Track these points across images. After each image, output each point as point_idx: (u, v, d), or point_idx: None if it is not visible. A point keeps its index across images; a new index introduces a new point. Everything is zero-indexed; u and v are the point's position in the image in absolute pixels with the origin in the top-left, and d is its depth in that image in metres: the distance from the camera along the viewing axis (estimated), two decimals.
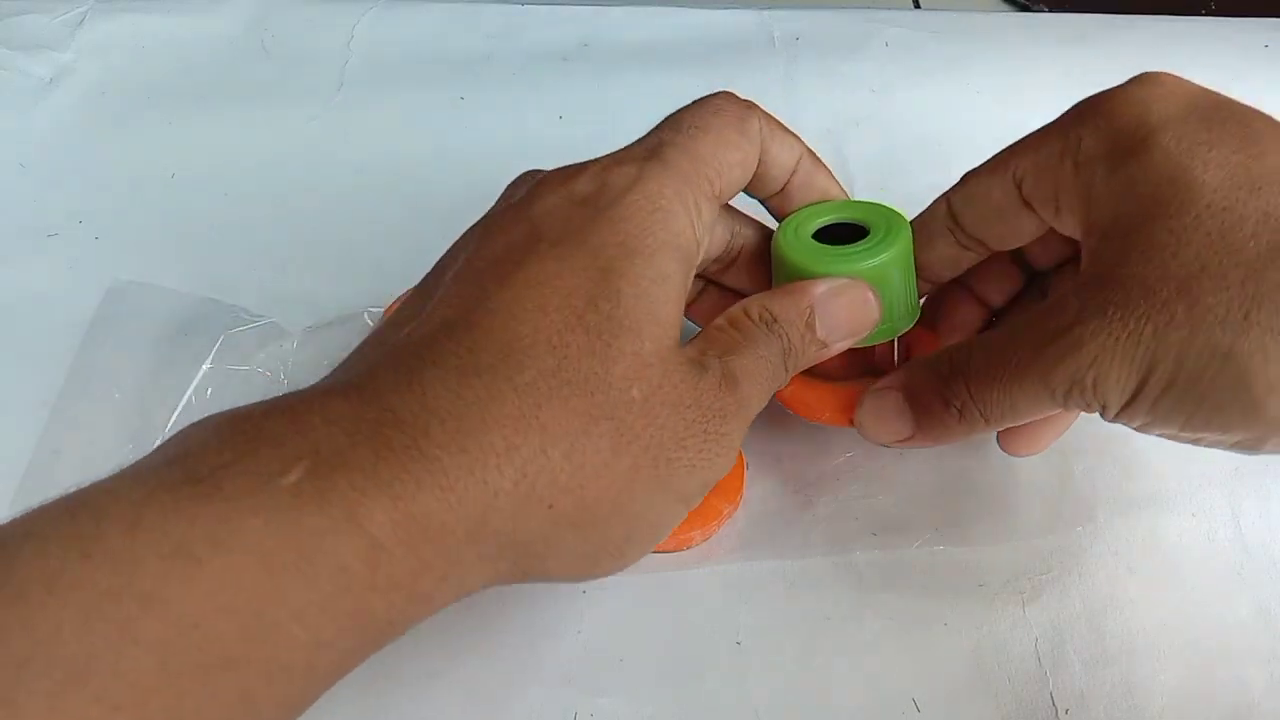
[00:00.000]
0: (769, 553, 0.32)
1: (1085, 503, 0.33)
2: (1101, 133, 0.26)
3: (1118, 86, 0.27)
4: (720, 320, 0.26)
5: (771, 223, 0.31)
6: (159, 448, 0.21)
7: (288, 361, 0.36)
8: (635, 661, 0.30)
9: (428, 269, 0.38)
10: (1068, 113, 0.28)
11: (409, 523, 0.20)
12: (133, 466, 0.20)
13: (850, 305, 0.27)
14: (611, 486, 0.22)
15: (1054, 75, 0.48)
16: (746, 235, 0.31)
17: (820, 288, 0.27)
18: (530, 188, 0.26)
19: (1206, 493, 0.34)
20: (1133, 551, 0.33)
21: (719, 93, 0.28)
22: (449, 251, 0.27)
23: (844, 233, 0.30)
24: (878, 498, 0.34)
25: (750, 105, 0.28)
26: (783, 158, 0.29)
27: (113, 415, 0.34)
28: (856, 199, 0.31)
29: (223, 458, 0.19)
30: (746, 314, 0.26)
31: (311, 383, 0.37)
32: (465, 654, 0.30)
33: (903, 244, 0.29)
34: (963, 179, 0.30)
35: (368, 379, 0.22)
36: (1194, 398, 0.23)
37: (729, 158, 0.27)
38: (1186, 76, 0.49)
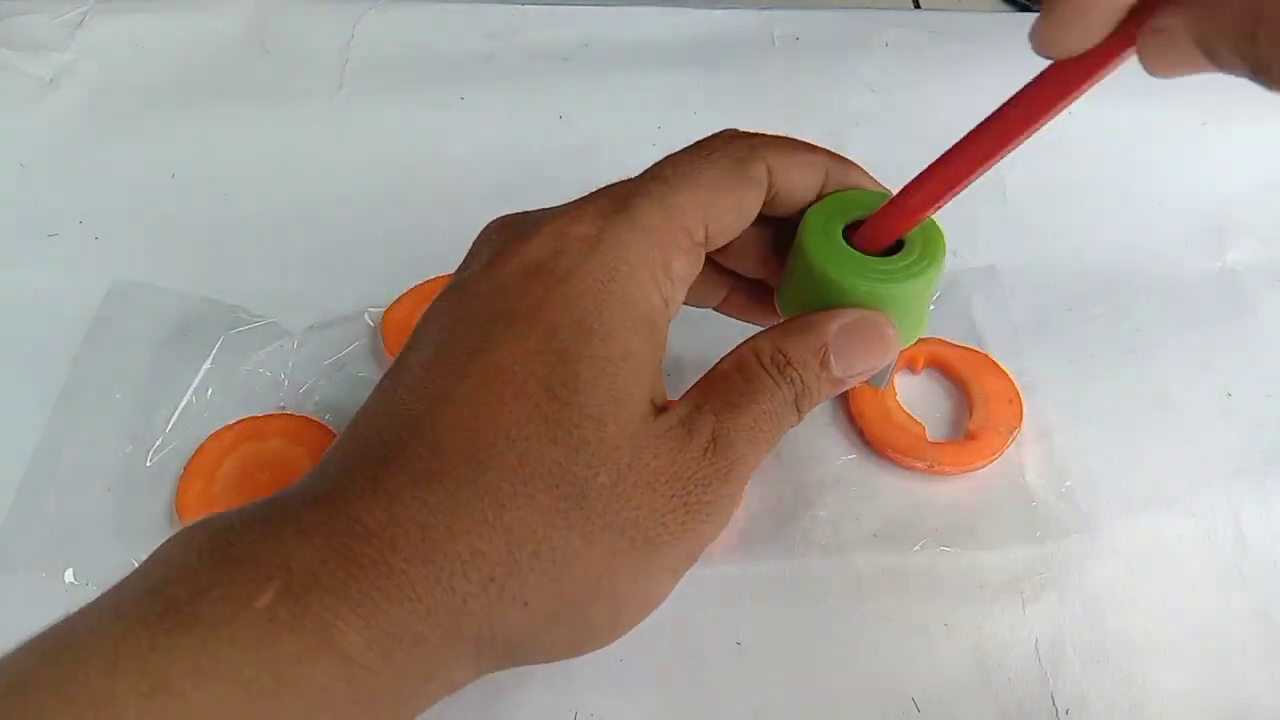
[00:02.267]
0: (769, 553, 0.32)
1: (1085, 503, 0.33)
2: None
3: None
4: (726, 364, 0.25)
5: None
6: (141, 568, 0.21)
7: (288, 362, 0.36)
8: (635, 661, 0.30)
9: (427, 269, 0.38)
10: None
11: (383, 638, 0.20)
12: (115, 592, 0.20)
13: (868, 341, 0.26)
14: (587, 576, 0.22)
15: None
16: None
17: (835, 324, 0.25)
18: (491, 251, 0.25)
19: (1206, 493, 0.34)
20: (1133, 551, 0.33)
21: (722, 132, 0.27)
22: (418, 325, 0.25)
23: None
24: (878, 499, 0.34)
25: (755, 144, 0.26)
26: (803, 181, 0.27)
27: (113, 415, 0.34)
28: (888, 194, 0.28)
29: (200, 583, 0.19)
30: (758, 358, 0.25)
31: (311, 382, 0.37)
32: None
33: (941, 261, 0.26)
34: None
35: (338, 485, 0.22)
36: None
37: (719, 204, 0.25)
38: (1187, 76, 0.49)
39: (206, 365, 0.36)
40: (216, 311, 0.37)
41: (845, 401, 0.36)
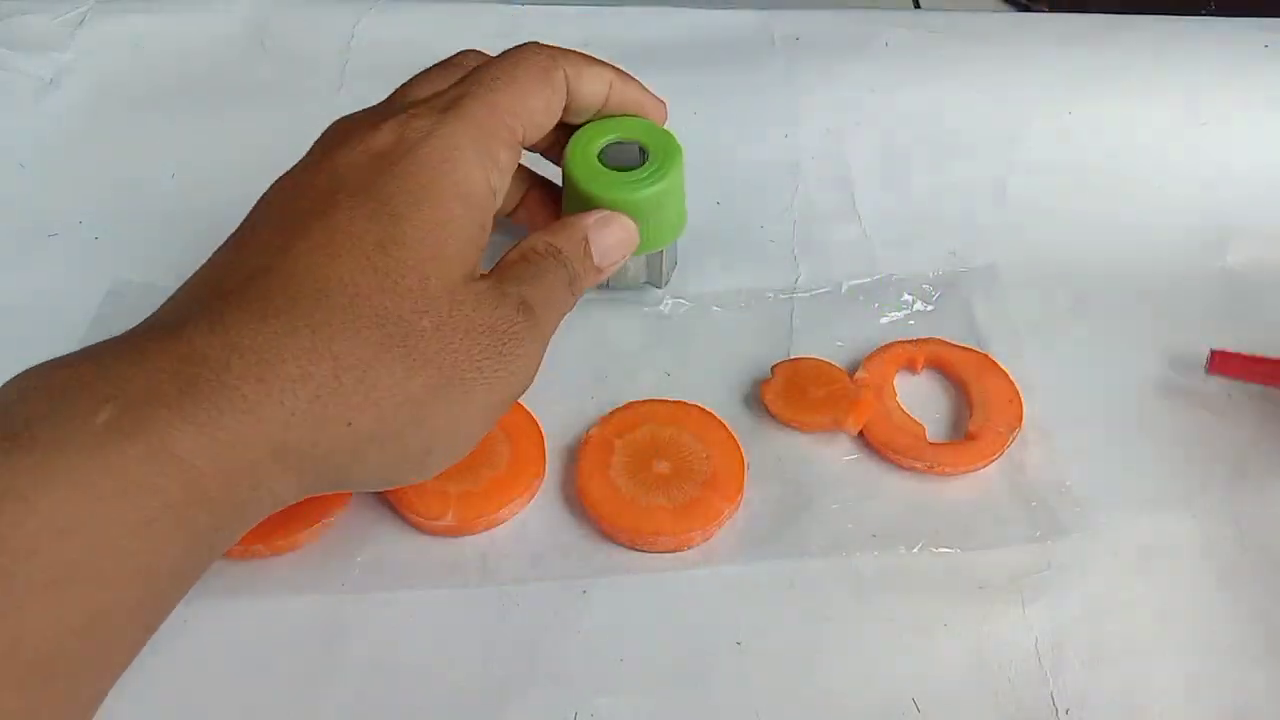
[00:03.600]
0: (769, 553, 0.32)
1: (1085, 503, 0.33)
2: None
3: None
4: (513, 254, 0.30)
5: None
6: None
7: None
8: (635, 661, 0.30)
9: None
10: None
11: (215, 445, 0.22)
12: None
13: (616, 234, 0.32)
14: (406, 404, 0.25)
15: (1054, 75, 0.48)
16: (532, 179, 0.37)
17: (590, 220, 0.32)
18: (336, 140, 0.29)
19: (1206, 493, 0.34)
20: (1133, 551, 0.33)
21: (525, 45, 0.31)
22: (260, 202, 0.29)
23: (630, 151, 0.35)
24: (877, 499, 0.34)
25: (554, 55, 0.31)
26: (593, 89, 0.33)
27: None
28: (639, 119, 0.35)
29: (37, 410, 0.21)
30: (534, 249, 0.30)
31: None
32: (465, 654, 0.30)
33: (676, 173, 0.34)
34: None
35: (178, 323, 0.24)
36: None
37: (530, 105, 0.30)
38: (1186, 76, 0.49)
39: None
40: None
41: None
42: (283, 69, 0.48)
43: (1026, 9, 0.58)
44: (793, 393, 0.35)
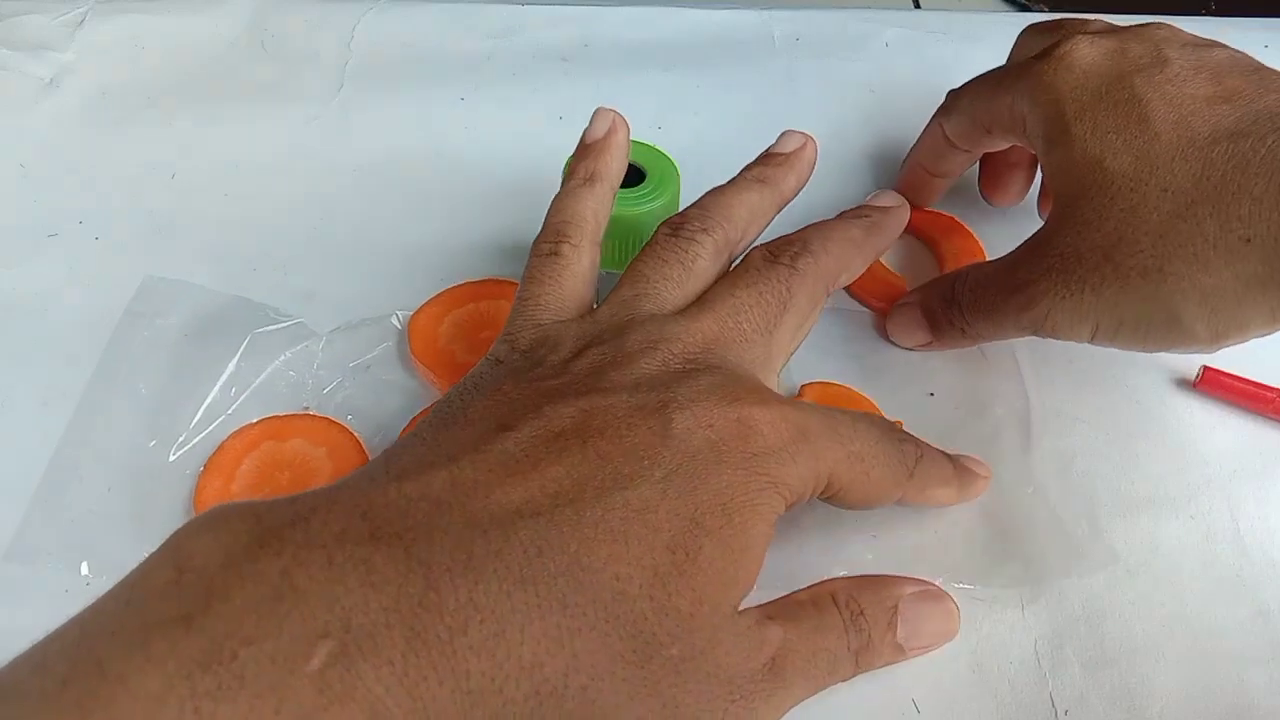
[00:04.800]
0: (769, 553, 0.32)
1: (1085, 505, 0.33)
2: (1037, 118, 0.32)
3: (1042, 62, 0.32)
4: (804, 594, 0.27)
5: None
6: (170, 570, 0.20)
7: (313, 362, 0.36)
8: None
9: (424, 270, 0.38)
10: (1008, 76, 0.34)
11: (421, 717, 0.20)
12: (138, 612, 0.19)
13: (938, 617, 0.29)
14: None
15: None
16: None
17: (909, 588, 0.28)
18: (659, 357, 0.26)
19: (1205, 494, 0.34)
20: (1132, 553, 0.33)
21: (890, 429, 0.29)
22: (550, 378, 0.25)
23: (630, 172, 0.35)
24: None
25: (909, 452, 0.29)
26: (923, 487, 0.30)
27: (138, 410, 0.34)
28: (638, 142, 0.36)
29: (243, 628, 0.19)
30: (834, 599, 0.27)
31: (335, 383, 0.35)
32: None
33: (673, 190, 0.35)
34: (948, 107, 0.38)
35: (424, 541, 0.21)
36: (1140, 334, 0.30)
37: (865, 494, 0.27)
38: None
39: (233, 363, 0.36)
40: (245, 310, 0.37)
41: None
42: (283, 69, 0.48)
43: (1026, 9, 0.58)
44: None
